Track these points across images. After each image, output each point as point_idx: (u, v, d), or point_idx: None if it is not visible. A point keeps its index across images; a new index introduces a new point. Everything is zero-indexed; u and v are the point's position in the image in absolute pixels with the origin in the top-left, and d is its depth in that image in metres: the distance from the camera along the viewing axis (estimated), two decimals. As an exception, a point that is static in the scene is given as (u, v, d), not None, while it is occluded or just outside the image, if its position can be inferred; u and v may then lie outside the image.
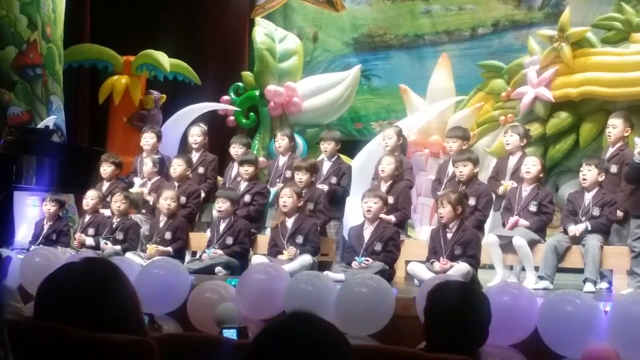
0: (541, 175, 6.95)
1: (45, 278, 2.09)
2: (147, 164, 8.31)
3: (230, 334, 4.65)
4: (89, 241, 7.72)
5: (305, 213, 7.24)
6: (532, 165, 6.90)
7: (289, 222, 7.05)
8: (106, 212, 7.96)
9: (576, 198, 6.76)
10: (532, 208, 6.76)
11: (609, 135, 7.08)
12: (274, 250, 7.03)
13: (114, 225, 7.69)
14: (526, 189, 6.87)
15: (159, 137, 8.71)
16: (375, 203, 6.77)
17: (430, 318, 2.80)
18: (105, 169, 8.41)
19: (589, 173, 6.66)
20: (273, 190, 7.97)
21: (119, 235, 7.62)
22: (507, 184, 7.12)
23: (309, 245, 6.93)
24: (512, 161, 7.36)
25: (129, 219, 7.78)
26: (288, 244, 6.93)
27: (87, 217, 7.96)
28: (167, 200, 7.51)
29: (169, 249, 7.35)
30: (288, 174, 8.00)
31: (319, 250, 7.06)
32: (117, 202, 7.72)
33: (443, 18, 11.45)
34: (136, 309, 2.11)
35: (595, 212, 6.55)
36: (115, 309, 2.07)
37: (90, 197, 7.96)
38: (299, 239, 6.94)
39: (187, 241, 7.68)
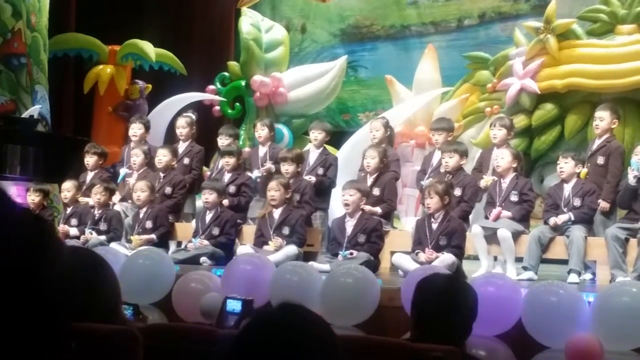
0: (514, 165, 6.92)
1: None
2: (139, 155, 8.23)
3: (234, 305, 4.65)
4: (73, 231, 7.71)
5: (293, 204, 7.23)
6: (500, 158, 6.93)
7: (276, 213, 7.06)
8: (90, 201, 7.93)
9: (555, 191, 6.81)
10: (514, 198, 6.79)
11: (597, 127, 7.08)
12: (260, 240, 7.04)
13: (95, 217, 7.67)
14: (505, 181, 6.89)
15: (147, 128, 8.67)
16: (351, 195, 6.75)
17: (418, 310, 2.80)
18: (88, 159, 8.37)
19: (565, 165, 6.73)
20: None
21: (103, 226, 7.61)
22: (488, 179, 7.12)
23: (295, 236, 6.94)
24: (496, 154, 7.34)
25: (111, 210, 7.77)
26: (274, 235, 6.94)
27: (69, 209, 7.95)
28: (136, 192, 7.56)
29: (153, 236, 7.38)
30: (268, 164, 8.01)
31: (304, 241, 7.07)
32: (97, 194, 7.70)
33: (429, 9, 11.46)
34: (119, 300, 2.11)
35: (577, 202, 6.60)
36: (101, 299, 2.07)
37: (67, 189, 7.94)
38: (286, 230, 6.95)
39: (170, 227, 7.68)
